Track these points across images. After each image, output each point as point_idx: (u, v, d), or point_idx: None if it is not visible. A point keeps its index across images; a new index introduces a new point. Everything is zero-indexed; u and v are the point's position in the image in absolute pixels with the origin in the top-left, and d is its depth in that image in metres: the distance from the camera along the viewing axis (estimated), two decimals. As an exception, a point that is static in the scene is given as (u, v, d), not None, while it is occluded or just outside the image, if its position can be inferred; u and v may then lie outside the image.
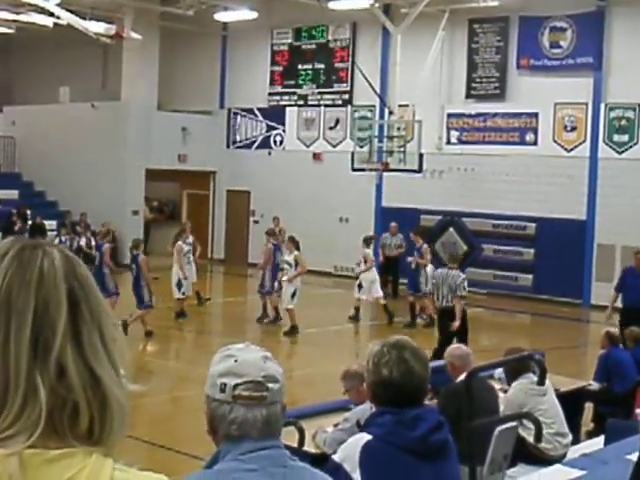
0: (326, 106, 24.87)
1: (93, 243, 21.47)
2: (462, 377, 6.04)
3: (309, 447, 6.08)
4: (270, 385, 2.13)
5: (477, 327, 14.36)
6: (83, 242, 23.67)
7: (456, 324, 12.75)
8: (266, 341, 14.80)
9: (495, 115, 21.75)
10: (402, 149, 20.33)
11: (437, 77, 21.77)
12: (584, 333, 18.32)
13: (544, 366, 6.06)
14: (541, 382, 6.12)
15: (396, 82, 21.37)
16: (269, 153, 26.00)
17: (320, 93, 24.97)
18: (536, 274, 21.04)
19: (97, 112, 25.34)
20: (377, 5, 21.56)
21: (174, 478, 1.56)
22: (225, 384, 2.14)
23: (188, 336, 16.81)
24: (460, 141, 22.37)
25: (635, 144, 19.90)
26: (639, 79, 19.50)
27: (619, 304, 14.13)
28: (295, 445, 5.39)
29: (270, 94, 25.98)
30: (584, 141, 20.54)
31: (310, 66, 25.14)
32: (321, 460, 4.48)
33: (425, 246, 17.60)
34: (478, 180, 21.78)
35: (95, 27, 22.48)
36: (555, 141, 20.97)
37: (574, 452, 7.02)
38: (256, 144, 26.35)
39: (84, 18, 22.23)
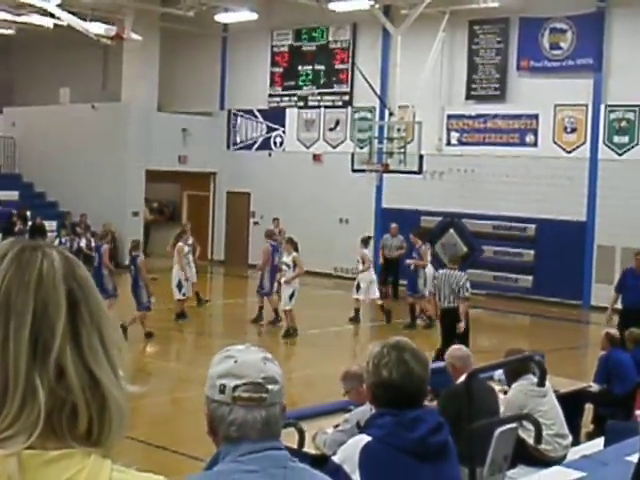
0: (326, 107, 24.88)
1: (93, 244, 21.47)
2: (462, 378, 6.04)
3: (309, 448, 6.08)
4: (270, 387, 2.13)
5: (477, 328, 14.36)
6: (83, 243, 23.69)
7: (461, 325, 12.74)
8: (266, 342, 14.82)
9: (495, 116, 21.76)
10: (402, 150, 20.33)
11: (437, 78, 21.77)
12: (584, 334, 18.32)
13: (544, 367, 6.06)
14: (541, 383, 6.13)
15: (396, 83, 21.38)
16: (269, 154, 26.00)
17: (320, 94, 24.97)
18: (536, 275, 21.04)
19: (97, 113, 25.35)
20: (377, 6, 21.57)
21: (174, 479, 1.56)
22: (224, 385, 2.13)
23: (188, 337, 16.81)
24: (460, 142, 22.37)
25: (635, 145, 19.90)
26: (639, 80, 19.51)
27: (619, 305, 14.14)
28: (295, 446, 5.39)
29: (270, 95, 25.99)
30: (584, 142, 20.54)
31: (310, 67, 25.15)
32: (321, 461, 4.47)
33: (424, 247, 17.60)
34: (478, 181, 21.78)
35: (95, 28, 22.50)
36: (555, 142, 20.97)
37: (574, 453, 7.02)
38: (256, 145, 26.36)
39: (84, 19, 22.26)
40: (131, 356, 13.23)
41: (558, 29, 20.85)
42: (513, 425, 6.46)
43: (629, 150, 20.00)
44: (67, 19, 21.40)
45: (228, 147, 26.94)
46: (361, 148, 21.99)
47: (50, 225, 24.42)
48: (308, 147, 25.20)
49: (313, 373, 12.94)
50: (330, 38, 24.73)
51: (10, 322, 1.26)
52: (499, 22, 21.66)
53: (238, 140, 26.80)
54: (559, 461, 6.90)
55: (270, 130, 26.02)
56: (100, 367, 1.29)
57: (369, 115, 23.90)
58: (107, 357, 1.31)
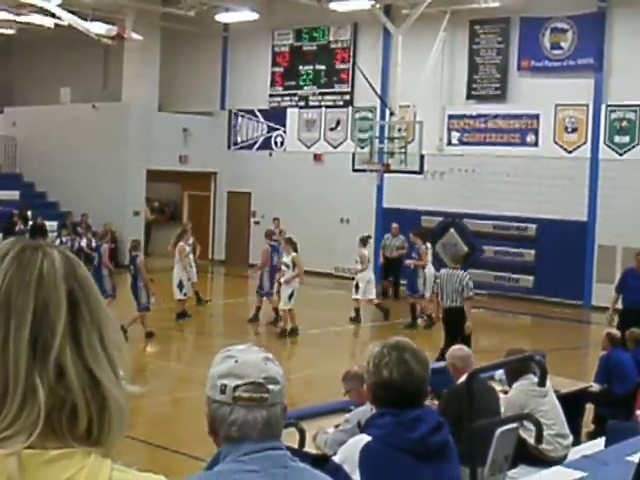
0: (327, 107, 24.87)
1: (94, 244, 21.47)
2: (463, 378, 6.04)
3: (310, 448, 6.08)
4: (270, 387, 2.13)
5: (478, 328, 14.32)
6: (84, 243, 23.68)
7: (469, 324, 12.68)
8: (266, 342, 14.82)
9: (496, 116, 21.75)
10: (403, 150, 20.33)
11: (438, 78, 21.77)
12: (585, 334, 18.31)
13: (545, 367, 6.06)
14: (542, 383, 6.12)
15: (397, 83, 21.38)
16: (270, 154, 26.00)
17: (321, 94, 24.97)
18: (537, 275, 21.03)
19: (98, 113, 25.36)
20: (378, 6, 21.57)
21: (174, 479, 1.56)
22: (225, 385, 2.13)
23: (189, 337, 16.81)
24: (461, 142, 22.36)
25: (636, 145, 19.89)
26: (640, 80, 19.52)
27: (619, 305, 14.13)
28: (296, 446, 5.40)
29: (271, 95, 25.99)
30: (585, 142, 20.54)
31: (311, 67, 25.15)
32: (322, 461, 4.47)
33: (423, 247, 17.59)
34: (479, 181, 21.78)
35: (96, 28, 22.51)
36: (556, 142, 20.96)
37: (575, 453, 7.01)
38: (257, 145, 26.36)
39: (85, 19, 22.26)
40: (131, 356, 13.23)
41: (559, 29, 20.84)
42: (514, 425, 6.46)
43: (630, 150, 19.99)
44: (68, 19, 21.40)
45: (229, 147, 26.94)
46: (362, 148, 21.99)
47: (51, 225, 24.42)
48: (309, 147, 25.20)
49: (314, 373, 12.94)
50: (331, 38, 24.73)
51: (10, 321, 1.26)
52: (500, 22, 21.65)
53: (239, 140, 26.80)
54: (560, 461, 6.89)
55: (271, 130, 26.02)
56: (100, 367, 1.29)
57: (370, 115, 23.90)
58: (107, 357, 1.31)
